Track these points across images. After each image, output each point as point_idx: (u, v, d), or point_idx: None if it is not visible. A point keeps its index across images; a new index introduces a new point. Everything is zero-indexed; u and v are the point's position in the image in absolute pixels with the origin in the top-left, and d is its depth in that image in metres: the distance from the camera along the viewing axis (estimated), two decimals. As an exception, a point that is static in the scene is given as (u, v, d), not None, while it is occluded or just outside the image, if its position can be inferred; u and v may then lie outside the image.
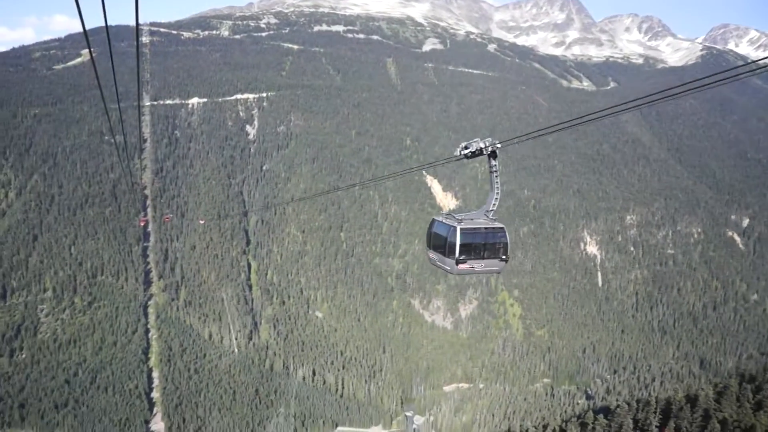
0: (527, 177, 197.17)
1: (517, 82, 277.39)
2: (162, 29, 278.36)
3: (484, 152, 17.21)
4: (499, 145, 16.81)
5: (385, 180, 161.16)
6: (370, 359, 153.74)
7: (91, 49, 11.72)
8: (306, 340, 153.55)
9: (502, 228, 17.90)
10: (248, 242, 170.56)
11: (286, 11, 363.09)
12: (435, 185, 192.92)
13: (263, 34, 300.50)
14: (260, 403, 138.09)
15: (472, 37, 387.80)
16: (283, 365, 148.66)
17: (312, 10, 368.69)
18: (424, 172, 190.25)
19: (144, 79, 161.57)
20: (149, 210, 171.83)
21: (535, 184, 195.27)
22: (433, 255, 18.71)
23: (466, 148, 17.13)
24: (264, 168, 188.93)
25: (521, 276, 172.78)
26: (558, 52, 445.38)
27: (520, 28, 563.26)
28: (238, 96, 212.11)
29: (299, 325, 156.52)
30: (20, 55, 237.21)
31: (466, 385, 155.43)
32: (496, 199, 17.85)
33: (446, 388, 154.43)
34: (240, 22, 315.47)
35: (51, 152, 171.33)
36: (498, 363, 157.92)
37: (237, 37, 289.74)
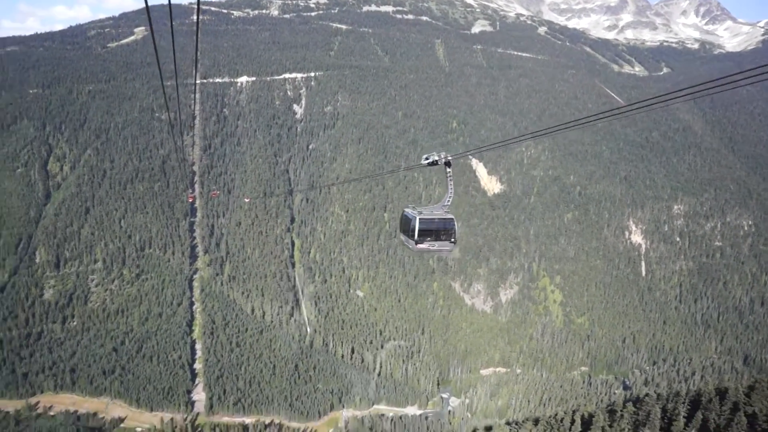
0: (573, 162, 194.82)
1: (567, 66, 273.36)
2: (213, 8, 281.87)
3: (439, 162, 21.83)
4: (450, 158, 21.57)
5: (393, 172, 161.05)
6: (409, 340, 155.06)
7: (152, 26, 12.52)
8: (346, 318, 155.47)
9: (452, 218, 23.28)
10: (293, 220, 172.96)
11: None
12: (480, 169, 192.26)
13: (312, 13, 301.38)
14: (299, 378, 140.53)
15: (522, 19, 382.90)
16: (323, 342, 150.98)
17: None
18: (470, 155, 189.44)
19: (194, 57, 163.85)
20: (197, 186, 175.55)
21: (581, 170, 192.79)
22: (402, 236, 24.25)
23: (426, 158, 21.93)
24: (310, 147, 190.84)
25: (563, 262, 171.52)
26: (610, 35, 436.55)
27: (572, 11, 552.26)
28: (287, 75, 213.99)
29: (340, 303, 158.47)
30: (76, 33, 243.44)
31: (503, 370, 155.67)
32: (450, 197, 23.01)
33: (483, 372, 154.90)
34: (289, 2, 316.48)
35: (104, 128, 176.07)
36: (536, 349, 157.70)
37: (286, 16, 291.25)
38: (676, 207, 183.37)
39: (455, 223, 23.30)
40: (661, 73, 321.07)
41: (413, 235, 22.90)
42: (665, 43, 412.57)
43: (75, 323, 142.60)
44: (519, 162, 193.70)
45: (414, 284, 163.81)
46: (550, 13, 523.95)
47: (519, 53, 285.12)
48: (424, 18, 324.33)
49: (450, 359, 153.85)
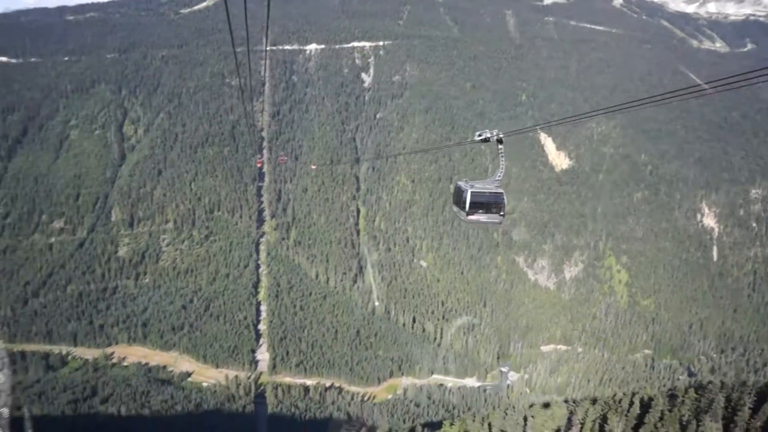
0: (646, 141, 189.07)
1: (642, 40, 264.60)
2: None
3: (491, 140, 21.91)
4: (502, 135, 21.56)
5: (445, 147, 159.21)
6: (470, 312, 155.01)
7: None
8: (409, 287, 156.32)
9: (501, 193, 23.59)
10: (358, 188, 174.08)
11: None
12: (549, 143, 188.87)
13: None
14: (360, 344, 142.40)
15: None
16: (385, 310, 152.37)
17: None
18: (539, 129, 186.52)
19: (263, 24, 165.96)
20: (265, 152, 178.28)
21: (653, 149, 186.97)
22: (455, 208, 25.20)
23: (479, 135, 21.87)
24: (377, 116, 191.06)
25: (631, 242, 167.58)
26: (690, 9, 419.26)
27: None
28: (355, 44, 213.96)
29: (403, 272, 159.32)
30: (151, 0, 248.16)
31: (564, 347, 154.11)
32: (502, 172, 23.39)
33: (543, 348, 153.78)
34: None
35: (176, 92, 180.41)
36: (599, 329, 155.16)
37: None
38: (753, 191, 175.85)
39: (505, 198, 23.63)
40: (745, 49, 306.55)
41: (464, 207, 23.61)
42: (752, 17, 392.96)
43: (147, 280, 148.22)
44: (589, 138, 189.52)
45: (478, 257, 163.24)
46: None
47: (592, 26, 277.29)
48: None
49: (511, 334, 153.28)
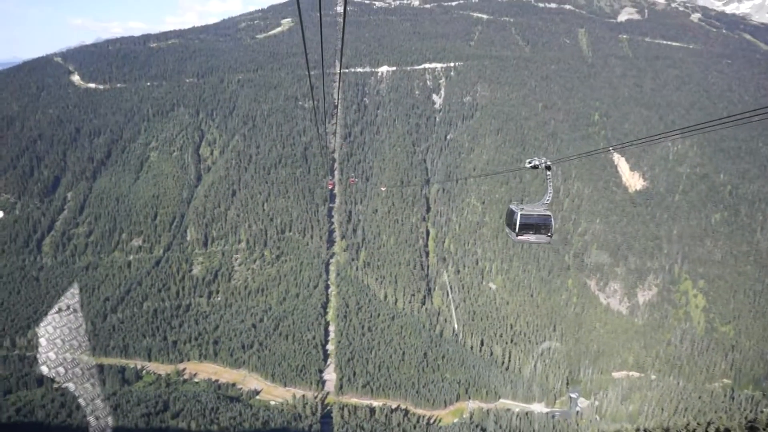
0: (725, 160, 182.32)
1: (722, 55, 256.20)
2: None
3: (540, 167, 24.74)
4: (550, 163, 24.52)
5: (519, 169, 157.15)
6: (540, 336, 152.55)
7: (302, 18, 13.45)
8: (477, 310, 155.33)
9: (549, 215, 26.07)
10: (428, 210, 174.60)
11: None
12: (622, 164, 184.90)
13: (453, 3, 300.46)
14: (427, 366, 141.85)
15: (673, 5, 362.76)
16: (453, 332, 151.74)
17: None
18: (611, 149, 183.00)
19: (337, 47, 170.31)
20: (336, 173, 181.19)
21: (733, 168, 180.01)
22: (507, 229, 27.21)
23: (529, 162, 24.83)
24: (448, 137, 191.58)
25: (709, 266, 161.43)
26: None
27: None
28: (426, 65, 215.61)
29: (472, 294, 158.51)
30: (229, 25, 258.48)
31: (636, 374, 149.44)
32: (549, 196, 25.88)
33: (615, 375, 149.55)
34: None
35: (251, 115, 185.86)
36: (674, 355, 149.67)
37: (427, 6, 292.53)
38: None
39: (552, 219, 26.13)
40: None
41: (515, 228, 26.12)
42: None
43: (219, 298, 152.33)
44: (664, 158, 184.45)
45: (548, 280, 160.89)
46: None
47: (668, 42, 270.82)
48: (567, 6, 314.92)
49: (581, 359, 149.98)
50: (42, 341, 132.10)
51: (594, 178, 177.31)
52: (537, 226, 26.31)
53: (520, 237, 26.37)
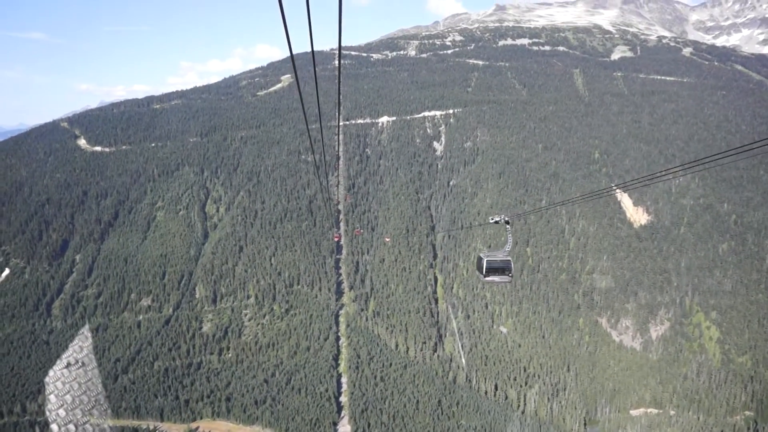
0: (727, 189, 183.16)
1: (715, 87, 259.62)
2: (353, 52, 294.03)
3: (500, 222, 33.67)
4: (508, 218, 33.52)
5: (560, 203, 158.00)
6: (554, 377, 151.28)
7: (297, 75, 14.39)
8: (490, 354, 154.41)
9: (509, 260, 32.67)
10: (435, 256, 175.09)
11: (471, 27, 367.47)
12: (625, 199, 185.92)
13: (449, 51, 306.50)
14: (442, 414, 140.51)
15: (664, 41, 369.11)
16: (466, 378, 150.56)
17: (496, 25, 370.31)
18: (613, 185, 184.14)
19: (336, 101, 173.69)
20: (341, 224, 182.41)
21: (736, 197, 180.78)
22: (477, 272, 34.03)
23: (492, 218, 33.60)
24: (451, 183, 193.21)
25: (720, 297, 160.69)
26: (766, 50, 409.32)
27: (720, 28, 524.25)
28: (426, 113, 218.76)
29: (483, 339, 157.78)
30: (230, 84, 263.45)
31: (654, 411, 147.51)
32: (509, 245, 33.55)
33: (633, 412, 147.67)
34: (426, 41, 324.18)
35: (255, 171, 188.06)
36: (691, 389, 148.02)
37: (423, 56, 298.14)
38: None
39: (512, 263, 32.62)
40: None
41: (483, 271, 32.42)
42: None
43: (230, 355, 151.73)
44: (666, 191, 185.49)
45: (559, 320, 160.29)
46: (695, 33, 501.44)
47: (662, 77, 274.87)
48: (561, 48, 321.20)
49: (597, 398, 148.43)
50: (51, 398, 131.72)
51: (598, 216, 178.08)
52: (500, 269, 32.65)
53: (487, 278, 32.81)
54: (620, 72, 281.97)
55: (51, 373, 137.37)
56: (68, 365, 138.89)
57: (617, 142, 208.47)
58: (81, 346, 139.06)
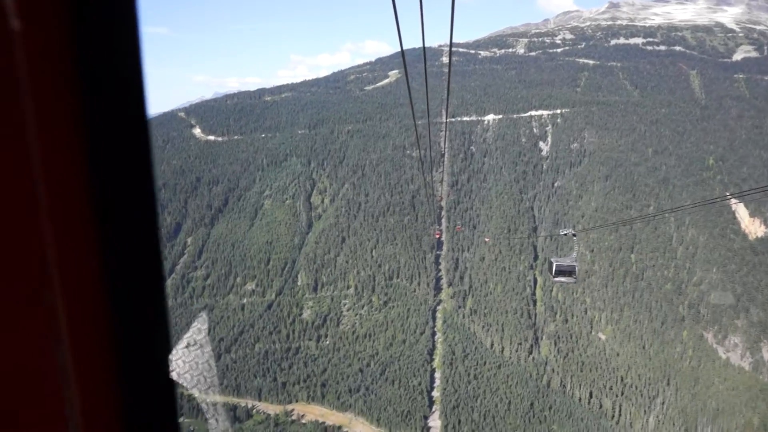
0: None
1: None
2: (461, 49, 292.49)
3: (568, 235, 42.98)
4: (574, 233, 43.50)
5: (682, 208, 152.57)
6: (652, 390, 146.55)
7: (407, 70, 15.07)
8: (586, 361, 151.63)
9: (574, 264, 39.94)
10: (536, 258, 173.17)
11: (582, 26, 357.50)
12: (741, 210, 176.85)
13: (558, 50, 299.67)
14: (533, 417, 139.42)
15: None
16: (560, 383, 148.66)
17: (609, 23, 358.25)
18: (728, 194, 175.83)
19: (443, 97, 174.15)
20: (443, 221, 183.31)
21: None
22: (548, 273, 41.24)
23: (562, 231, 43.27)
24: (555, 185, 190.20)
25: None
26: None
27: None
28: (533, 113, 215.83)
29: (580, 345, 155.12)
30: (338, 78, 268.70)
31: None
32: (576, 253, 43.11)
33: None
34: (535, 39, 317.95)
35: (360, 164, 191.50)
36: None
37: (532, 54, 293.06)
38: None
39: (577, 267, 39.88)
40: None
41: (552, 272, 39.18)
42: None
43: (327, 342, 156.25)
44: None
45: (661, 331, 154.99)
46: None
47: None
48: (678, 48, 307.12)
49: (698, 416, 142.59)
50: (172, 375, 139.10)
51: (709, 225, 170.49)
52: (567, 271, 39.38)
53: (555, 279, 40.88)
54: (742, 74, 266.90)
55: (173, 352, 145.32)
56: (188, 345, 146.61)
57: (735, 149, 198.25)
58: (199, 328, 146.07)
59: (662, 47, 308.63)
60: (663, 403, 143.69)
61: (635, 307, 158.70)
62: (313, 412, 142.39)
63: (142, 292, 1.26)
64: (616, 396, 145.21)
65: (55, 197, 1.06)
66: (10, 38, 0.93)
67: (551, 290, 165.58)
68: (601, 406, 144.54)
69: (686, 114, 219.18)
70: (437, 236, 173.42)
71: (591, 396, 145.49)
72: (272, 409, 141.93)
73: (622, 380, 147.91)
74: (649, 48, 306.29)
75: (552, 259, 40.54)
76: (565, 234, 43.29)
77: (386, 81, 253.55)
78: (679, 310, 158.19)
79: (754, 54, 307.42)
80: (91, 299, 1.17)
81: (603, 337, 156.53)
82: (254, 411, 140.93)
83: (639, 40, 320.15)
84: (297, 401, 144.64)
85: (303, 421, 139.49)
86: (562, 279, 41.04)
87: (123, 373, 1.30)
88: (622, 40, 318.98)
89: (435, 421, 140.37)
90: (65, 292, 1.11)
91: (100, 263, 1.17)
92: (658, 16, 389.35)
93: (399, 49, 13.96)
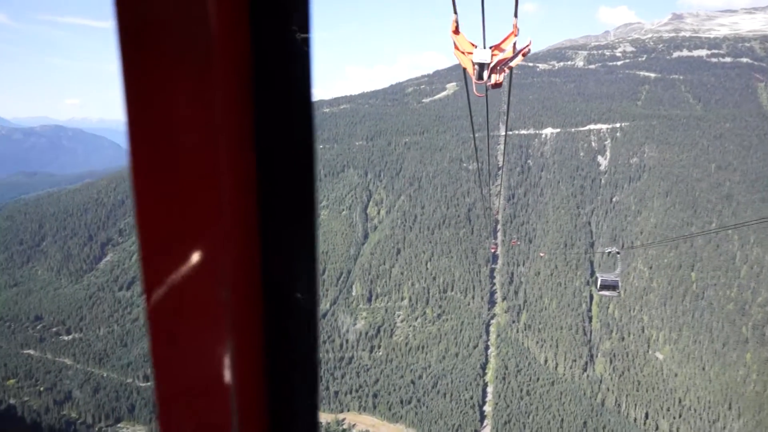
0: None
1: None
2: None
3: (612, 253, 50.77)
4: (618, 251, 50.32)
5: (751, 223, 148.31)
6: (712, 414, 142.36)
7: (466, 81, 15.64)
8: (642, 380, 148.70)
9: (617, 280, 44.82)
10: (592, 273, 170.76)
11: (644, 38, 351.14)
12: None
13: (618, 63, 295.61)
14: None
15: None
16: (615, 402, 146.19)
17: (672, 35, 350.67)
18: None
19: (501, 110, 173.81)
20: (499, 234, 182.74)
21: None
22: (595, 289, 55.63)
23: (606, 250, 54.73)
24: (614, 200, 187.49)
25: None
26: None
27: None
28: (591, 126, 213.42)
29: (637, 363, 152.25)
30: (396, 90, 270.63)
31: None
32: (618, 270, 60.55)
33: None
34: (595, 52, 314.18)
35: (417, 176, 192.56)
36: None
37: (591, 67, 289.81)
38: None
39: (619, 283, 44.72)
40: None
41: (597, 286, 44.63)
42: None
43: (380, 353, 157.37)
44: None
45: (722, 353, 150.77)
46: None
47: None
48: (744, 60, 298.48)
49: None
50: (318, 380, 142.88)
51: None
52: (611, 286, 44.67)
53: (600, 292, 45.47)
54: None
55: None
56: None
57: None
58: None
59: (728, 59, 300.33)
60: (724, 428, 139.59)
61: (695, 327, 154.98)
62: (364, 422, 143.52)
63: (296, 300, 1.19)
64: (674, 418, 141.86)
65: (234, 194, 1.01)
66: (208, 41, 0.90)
67: (607, 307, 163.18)
68: (657, 428, 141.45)
69: (752, 128, 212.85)
70: (493, 250, 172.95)
71: (647, 417, 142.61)
72: (324, 417, 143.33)
73: (680, 402, 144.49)
74: (714, 60, 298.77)
75: (597, 274, 48.77)
76: (609, 252, 48.32)
77: (444, 93, 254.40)
78: (742, 331, 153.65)
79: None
80: (252, 298, 1.11)
81: (660, 356, 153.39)
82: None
83: (703, 52, 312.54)
84: (349, 410, 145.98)
85: (354, 431, 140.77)
86: (606, 293, 45.46)
87: (273, 379, 1.21)
88: (685, 53, 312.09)
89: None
90: (235, 297, 1.07)
91: (261, 267, 1.11)
92: (724, 27, 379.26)
93: (456, 62, 14.72)
